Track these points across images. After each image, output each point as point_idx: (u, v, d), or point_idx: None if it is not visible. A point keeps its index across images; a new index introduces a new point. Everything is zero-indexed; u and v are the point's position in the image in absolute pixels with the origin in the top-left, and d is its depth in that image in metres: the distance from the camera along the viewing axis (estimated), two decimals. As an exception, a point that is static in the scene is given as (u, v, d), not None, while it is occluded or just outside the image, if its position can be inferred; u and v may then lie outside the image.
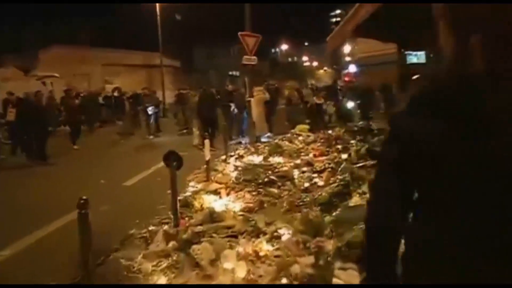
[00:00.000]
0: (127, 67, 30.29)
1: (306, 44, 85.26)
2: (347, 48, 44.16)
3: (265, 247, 4.15)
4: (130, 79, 27.48)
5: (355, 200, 3.99)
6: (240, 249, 4.10)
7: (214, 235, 4.37)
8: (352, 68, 35.92)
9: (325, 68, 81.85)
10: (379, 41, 19.10)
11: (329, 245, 3.14)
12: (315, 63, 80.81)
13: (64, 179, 8.73)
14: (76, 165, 10.33)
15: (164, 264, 3.93)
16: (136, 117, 17.39)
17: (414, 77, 5.59)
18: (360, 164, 7.48)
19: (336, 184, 5.85)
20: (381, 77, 18.56)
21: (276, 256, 3.83)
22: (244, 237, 4.42)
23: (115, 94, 21.08)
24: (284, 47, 69.88)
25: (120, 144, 14.00)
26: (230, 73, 46.78)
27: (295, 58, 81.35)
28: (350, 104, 17.48)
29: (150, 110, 15.64)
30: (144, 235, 4.84)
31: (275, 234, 4.46)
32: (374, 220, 1.27)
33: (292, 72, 58.61)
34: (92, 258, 3.92)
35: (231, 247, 4.11)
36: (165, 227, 4.93)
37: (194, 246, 3.97)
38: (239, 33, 11.68)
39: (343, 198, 5.43)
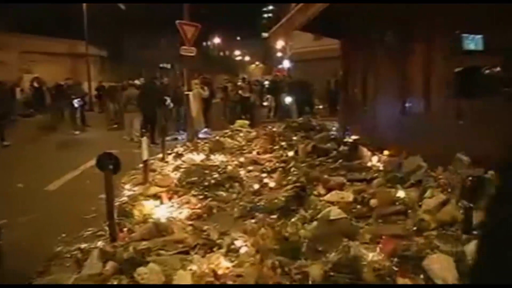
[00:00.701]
0: (49, 56, 27.72)
1: (238, 38, 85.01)
2: (279, 44, 44.35)
3: (223, 264, 3.58)
4: (52, 69, 25.14)
5: (336, 212, 3.55)
6: (193, 267, 3.50)
7: (161, 251, 3.71)
8: (286, 64, 36.00)
9: (257, 62, 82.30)
10: (320, 36, 19.16)
11: (315, 270, 2.65)
12: (247, 58, 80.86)
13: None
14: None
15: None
16: (59, 111, 15.90)
17: (457, 69, 5.30)
18: (309, 162, 7.17)
19: (291, 186, 5.41)
20: (318, 73, 18.58)
21: (238, 276, 3.29)
22: (196, 252, 3.82)
23: (35, 84, 19.17)
24: (217, 40, 68.90)
25: (41, 141, 12.54)
26: (161, 65, 45.06)
27: (227, 52, 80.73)
28: (288, 100, 17.28)
29: (76, 102, 14.28)
30: (74, 253, 4.05)
31: (232, 246, 3.92)
32: None
33: (225, 66, 57.99)
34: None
35: (183, 267, 3.49)
36: (100, 243, 4.18)
37: (139, 269, 3.30)
38: (177, 21, 10.86)
39: (300, 202, 5.02)
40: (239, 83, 18.25)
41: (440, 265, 3.19)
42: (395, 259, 3.19)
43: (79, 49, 28.45)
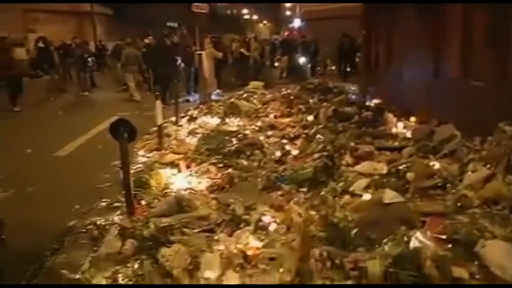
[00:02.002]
0: (52, 14, 26.93)
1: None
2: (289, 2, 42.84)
3: (252, 243, 3.28)
4: (56, 28, 24.46)
5: (390, 194, 3.17)
6: (221, 247, 3.20)
7: (185, 229, 3.40)
8: (297, 23, 34.75)
9: (265, 21, 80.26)
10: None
11: (375, 266, 2.32)
12: (255, 17, 78.73)
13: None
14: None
15: (122, 275, 2.93)
16: (66, 71, 15.47)
17: None
18: (331, 128, 6.77)
19: (318, 155, 5.04)
20: (332, 32, 17.74)
21: (271, 259, 2.98)
22: (222, 230, 3.51)
23: (40, 44, 18.56)
24: (225, -2, 66.82)
25: (49, 103, 12.19)
26: (168, 24, 43.90)
27: (235, 11, 78.54)
28: (302, 60, 16.66)
29: (90, 61, 13.86)
30: (90, 228, 3.77)
31: (260, 223, 3.61)
32: None
33: (232, 25, 56.43)
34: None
35: (209, 247, 3.19)
36: (117, 217, 3.88)
37: (163, 250, 3.00)
38: (189, -26, 10.22)
39: (329, 173, 4.67)
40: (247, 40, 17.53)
41: (497, 252, 2.85)
42: (447, 245, 2.85)
43: (83, 7, 27.59)
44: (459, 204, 3.79)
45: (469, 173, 4.31)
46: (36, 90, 14.07)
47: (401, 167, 4.51)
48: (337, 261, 2.39)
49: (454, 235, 3.03)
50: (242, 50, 15.27)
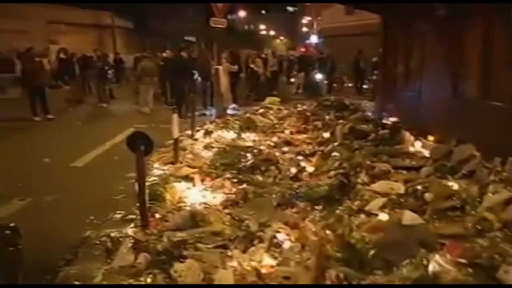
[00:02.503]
0: (74, 26, 27.53)
1: (263, 12, 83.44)
2: (305, 18, 43.15)
3: (266, 261, 3.24)
4: (77, 40, 24.99)
5: (409, 216, 3.11)
6: (234, 264, 3.17)
7: (199, 245, 3.37)
8: (314, 39, 34.93)
9: (282, 37, 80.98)
10: (352, 11, 18.36)
11: None
12: (272, 32, 79.48)
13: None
14: (12, 139, 8.47)
15: (135, 289, 2.91)
16: (85, 82, 15.73)
17: None
18: (348, 145, 6.72)
19: (334, 173, 4.99)
20: (349, 49, 17.78)
21: (285, 278, 2.93)
22: (236, 247, 3.47)
23: (61, 55, 18.98)
24: (242, 13, 67.64)
25: (67, 113, 12.37)
26: (186, 38, 44.51)
27: (252, 26, 79.39)
28: (318, 76, 16.67)
29: (110, 74, 14.12)
30: (104, 240, 3.76)
31: (274, 240, 3.56)
32: None
33: (249, 40, 56.96)
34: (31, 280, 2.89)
35: (223, 263, 3.16)
36: (131, 229, 3.88)
37: (177, 265, 2.98)
38: (208, -11, 10.39)
39: (344, 191, 4.61)
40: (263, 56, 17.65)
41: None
42: (468, 269, 2.76)
43: (105, 20, 28.15)
44: (478, 226, 3.70)
45: (489, 195, 4.21)
46: (56, 100, 14.27)
47: (418, 187, 4.42)
48: (354, 283, 2.34)
49: (475, 260, 2.94)
50: (252, 65, 15.34)
